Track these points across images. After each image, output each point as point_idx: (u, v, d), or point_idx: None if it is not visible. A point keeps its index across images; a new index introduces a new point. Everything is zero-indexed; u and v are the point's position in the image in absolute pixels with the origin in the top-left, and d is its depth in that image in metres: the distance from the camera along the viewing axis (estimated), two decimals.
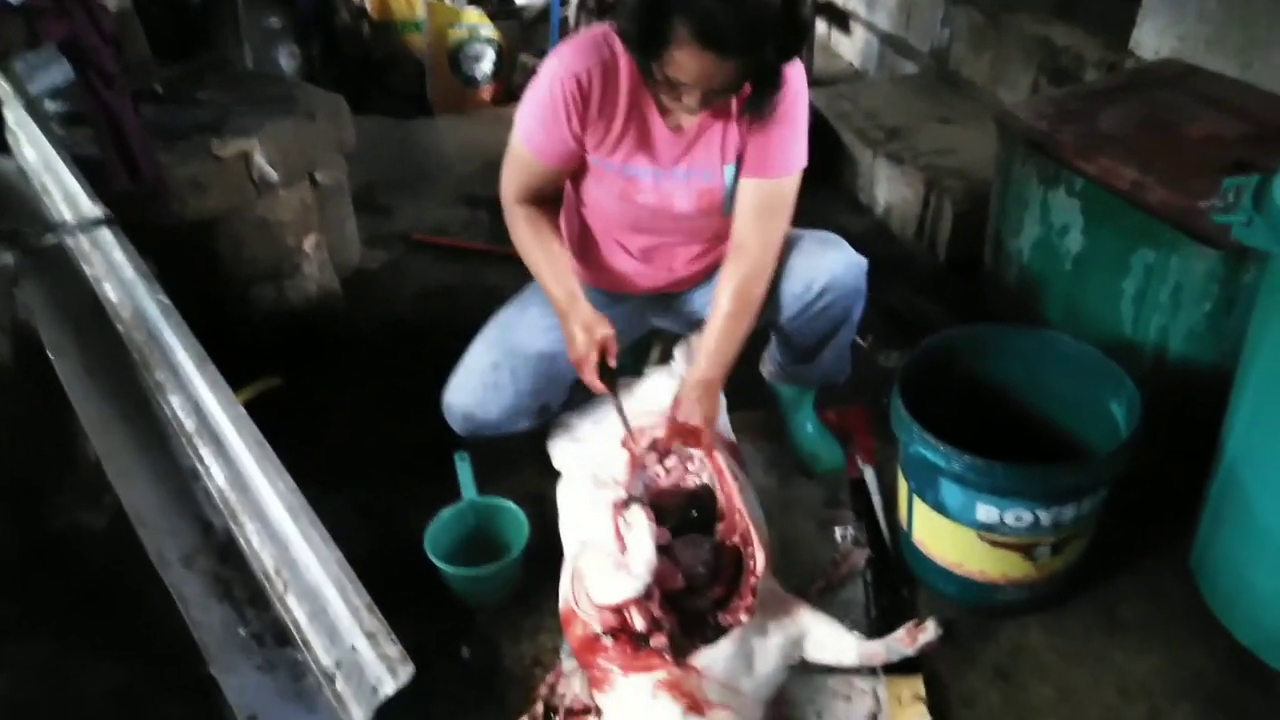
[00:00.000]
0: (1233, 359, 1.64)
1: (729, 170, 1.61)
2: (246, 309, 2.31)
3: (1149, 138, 1.94)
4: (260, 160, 2.15)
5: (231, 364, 1.89)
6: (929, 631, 1.52)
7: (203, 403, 1.72)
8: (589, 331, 1.59)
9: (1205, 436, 1.65)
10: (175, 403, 1.73)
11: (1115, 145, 1.93)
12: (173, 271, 2.31)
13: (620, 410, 1.65)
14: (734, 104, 1.54)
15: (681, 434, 1.65)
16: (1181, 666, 1.55)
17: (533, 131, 1.58)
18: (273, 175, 2.19)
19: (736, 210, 1.62)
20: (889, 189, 2.92)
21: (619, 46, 1.49)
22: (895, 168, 2.86)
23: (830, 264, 1.65)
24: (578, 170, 1.66)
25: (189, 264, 2.23)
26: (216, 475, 1.67)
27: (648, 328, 1.96)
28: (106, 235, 1.83)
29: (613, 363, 1.62)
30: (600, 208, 1.70)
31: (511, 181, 1.66)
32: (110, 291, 1.80)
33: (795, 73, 1.52)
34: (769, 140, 1.56)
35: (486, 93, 4.13)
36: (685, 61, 1.33)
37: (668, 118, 1.55)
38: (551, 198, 1.69)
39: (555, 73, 1.51)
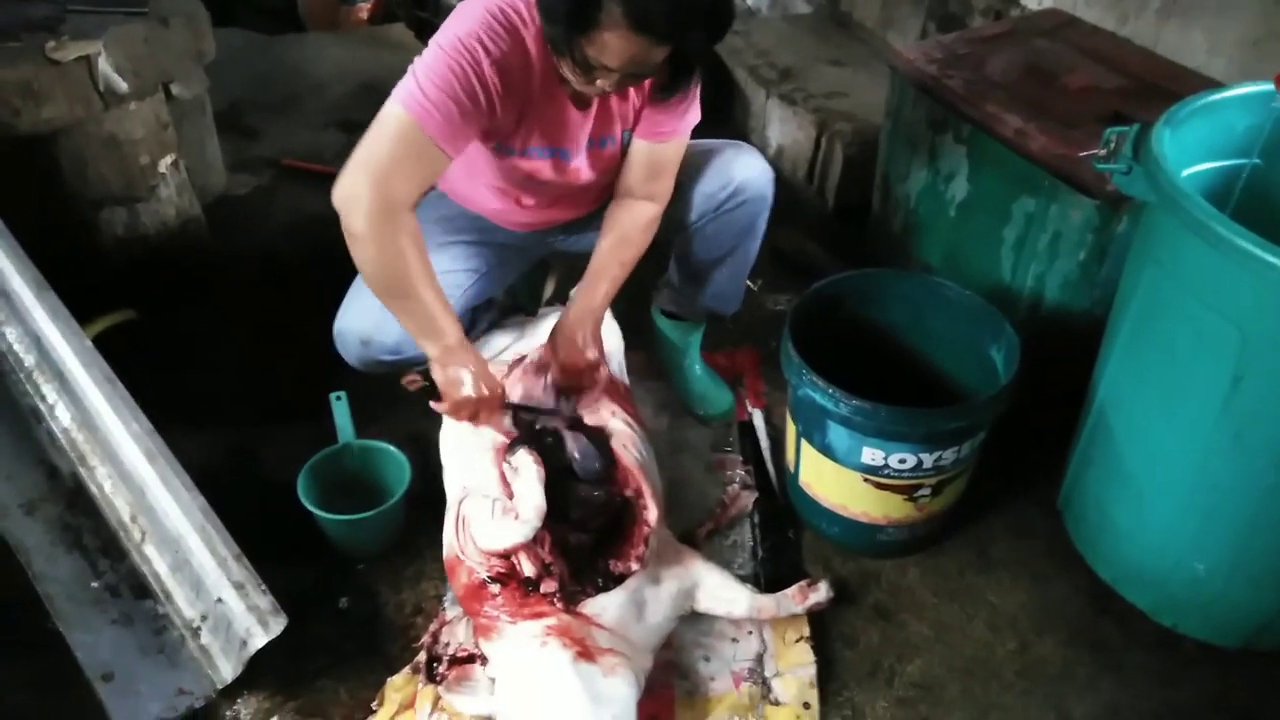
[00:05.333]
0: (1103, 307, 1.71)
1: (627, 135, 1.58)
2: (95, 235, 2.11)
3: (1032, 86, 1.98)
4: (106, 67, 1.94)
5: (80, 295, 1.73)
6: (820, 592, 1.54)
7: (43, 335, 1.56)
8: (491, 387, 1.49)
9: (1075, 381, 1.71)
10: (10, 335, 1.57)
11: (1000, 92, 1.95)
12: (6, 190, 2.09)
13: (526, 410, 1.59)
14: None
15: (574, 371, 1.61)
16: (1048, 601, 1.63)
17: (447, 116, 1.32)
18: (121, 85, 1.98)
19: (628, 166, 1.60)
20: (781, 130, 2.90)
21: (521, 25, 1.37)
22: (787, 109, 2.84)
23: (745, 166, 1.66)
24: None
25: (25, 182, 2.01)
26: (61, 415, 1.53)
27: (545, 251, 1.89)
28: None
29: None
30: (492, 177, 1.61)
31: (404, 177, 1.33)
32: None
33: None
34: (665, 108, 1.52)
35: (364, 10, 3.87)
36: (614, 44, 1.25)
37: (575, 97, 1.48)
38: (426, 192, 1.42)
39: (475, 55, 1.32)
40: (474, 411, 1.50)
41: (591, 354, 1.61)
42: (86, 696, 1.34)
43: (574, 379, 1.62)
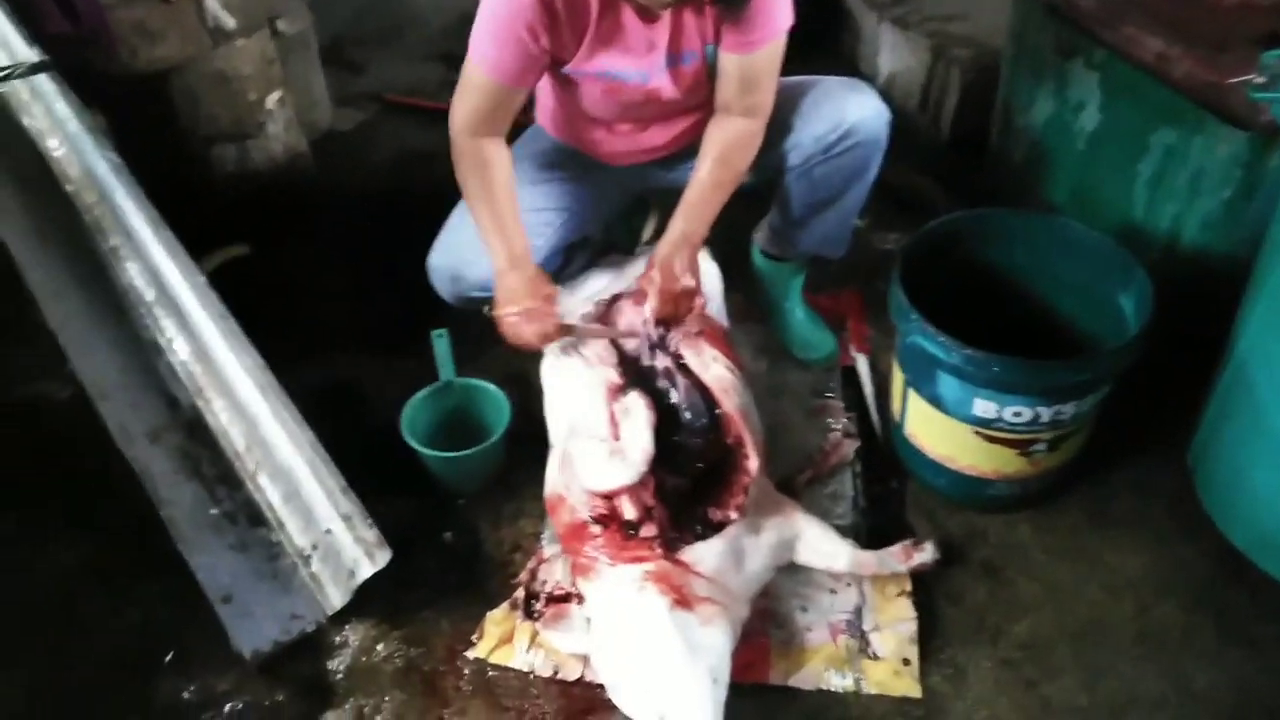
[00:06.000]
0: (1248, 249, 1.57)
1: (709, 49, 1.50)
2: (208, 171, 2.16)
3: (1177, 5, 1.80)
4: (214, 4, 1.96)
5: (193, 230, 1.78)
6: (926, 552, 1.49)
7: (161, 271, 1.61)
8: (534, 287, 1.50)
9: (1212, 329, 1.59)
10: (132, 270, 1.62)
11: (1140, 12, 1.79)
12: (125, 127, 2.15)
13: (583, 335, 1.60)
14: None
15: (671, 298, 1.57)
16: (1171, 565, 1.54)
17: (492, 55, 1.43)
18: (229, 21, 2.00)
19: (720, 81, 1.53)
20: (893, 56, 2.75)
21: None
22: (900, 33, 2.68)
23: (858, 107, 1.57)
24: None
25: (142, 120, 2.08)
26: (180, 349, 1.58)
27: (642, 187, 1.85)
28: (46, 83, 1.67)
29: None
30: (579, 104, 1.59)
31: (463, 110, 1.50)
32: (55, 147, 1.66)
33: None
34: (740, 17, 1.44)
35: None
36: None
37: (641, 10, 1.42)
38: (505, 122, 1.53)
39: None
40: (521, 335, 1.51)
41: (688, 281, 1.57)
42: (209, 616, 1.41)
43: (670, 308, 1.58)
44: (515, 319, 1.50)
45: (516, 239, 1.52)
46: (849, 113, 1.56)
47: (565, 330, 1.54)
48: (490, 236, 1.51)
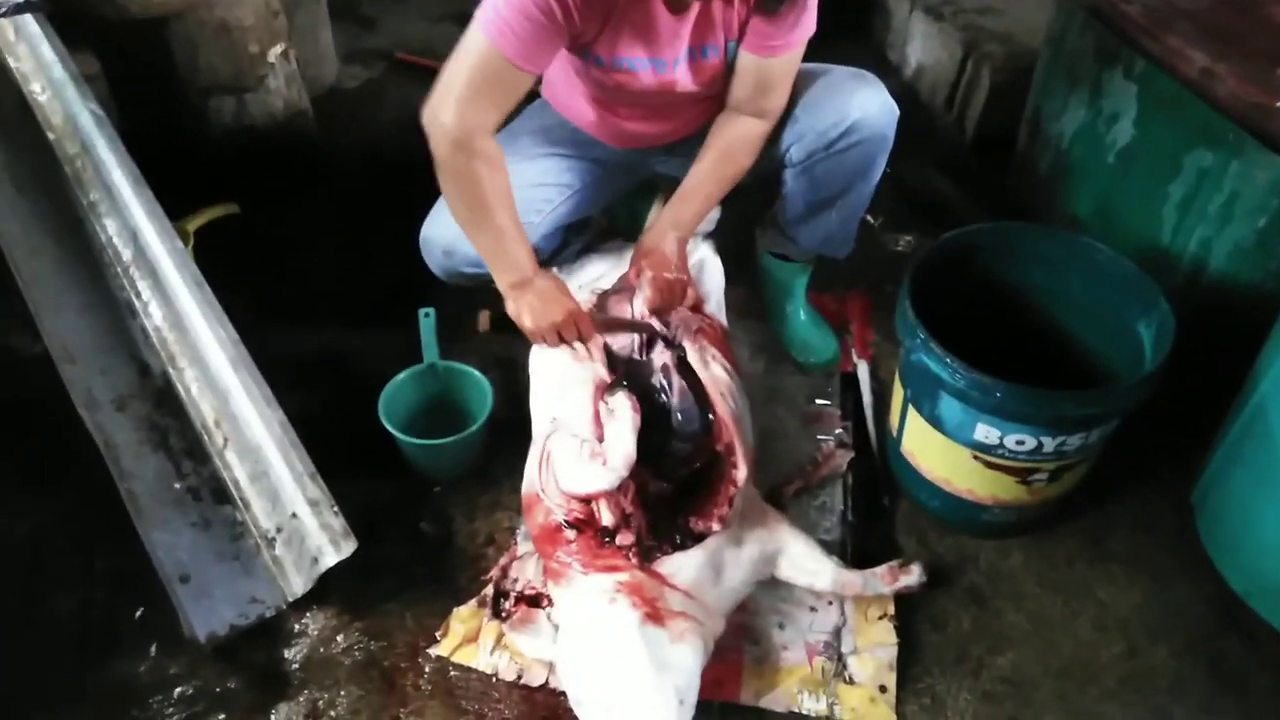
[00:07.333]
0: (1277, 283, 1.49)
1: (732, 45, 1.45)
2: (203, 124, 2.09)
3: (1227, 18, 1.71)
4: None
5: (184, 184, 1.72)
6: (912, 575, 1.43)
7: (140, 231, 1.55)
8: (566, 308, 1.45)
9: (1231, 363, 1.52)
10: (111, 228, 1.56)
11: (1188, 24, 1.70)
12: (119, 73, 2.09)
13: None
14: None
15: (664, 287, 1.53)
16: (1165, 606, 1.47)
17: (523, 35, 1.27)
18: None
19: (735, 80, 1.49)
20: (923, 48, 2.65)
21: None
22: (933, 24, 2.58)
23: (863, 102, 1.49)
24: None
25: (138, 67, 2.01)
26: (154, 313, 1.53)
27: (646, 173, 1.78)
28: (32, 25, 1.60)
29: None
30: (588, 85, 1.53)
31: (484, 103, 1.32)
32: (38, 91, 1.59)
33: None
34: (773, 18, 1.38)
35: None
36: None
37: (669, 1, 1.36)
38: (501, 112, 1.37)
39: None
40: (554, 335, 1.46)
41: (676, 272, 1.53)
42: (166, 594, 1.36)
43: (663, 297, 1.54)
44: (539, 329, 1.47)
45: (530, 254, 1.45)
46: (854, 107, 1.48)
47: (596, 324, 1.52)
48: (510, 249, 1.42)
